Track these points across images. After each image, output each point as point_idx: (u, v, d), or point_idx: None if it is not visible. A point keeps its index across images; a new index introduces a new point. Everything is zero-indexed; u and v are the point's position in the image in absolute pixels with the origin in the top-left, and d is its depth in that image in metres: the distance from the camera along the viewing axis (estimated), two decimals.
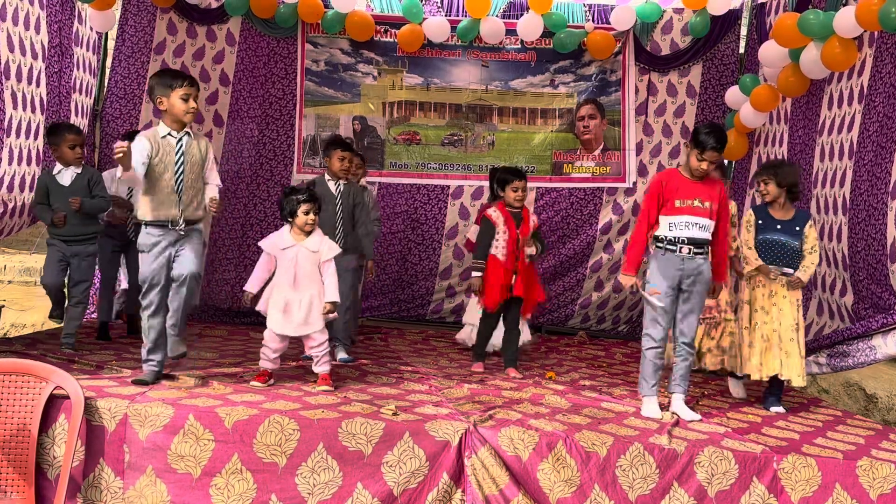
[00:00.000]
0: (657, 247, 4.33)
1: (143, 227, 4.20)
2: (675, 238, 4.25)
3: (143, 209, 4.18)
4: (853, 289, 5.07)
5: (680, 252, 4.24)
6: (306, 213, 4.30)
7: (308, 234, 4.36)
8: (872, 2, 4.56)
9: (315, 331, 4.31)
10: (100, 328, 5.47)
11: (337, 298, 4.37)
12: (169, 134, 4.17)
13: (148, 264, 4.17)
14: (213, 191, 4.32)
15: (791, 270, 4.66)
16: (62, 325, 5.05)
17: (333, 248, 4.43)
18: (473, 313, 6.43)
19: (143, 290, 4.20)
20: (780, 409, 4.69)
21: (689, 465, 3.63)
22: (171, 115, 4.16)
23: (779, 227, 4.71)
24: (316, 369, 4.36)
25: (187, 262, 4.18)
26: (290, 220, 4.34)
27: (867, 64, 5.06)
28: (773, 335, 4.62)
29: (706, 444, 3.72)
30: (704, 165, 4.22)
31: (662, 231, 4.30)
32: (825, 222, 5.43)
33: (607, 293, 7.38)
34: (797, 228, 4.70)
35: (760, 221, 4.76)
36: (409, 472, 3.55)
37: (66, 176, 4.97)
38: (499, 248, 5.22)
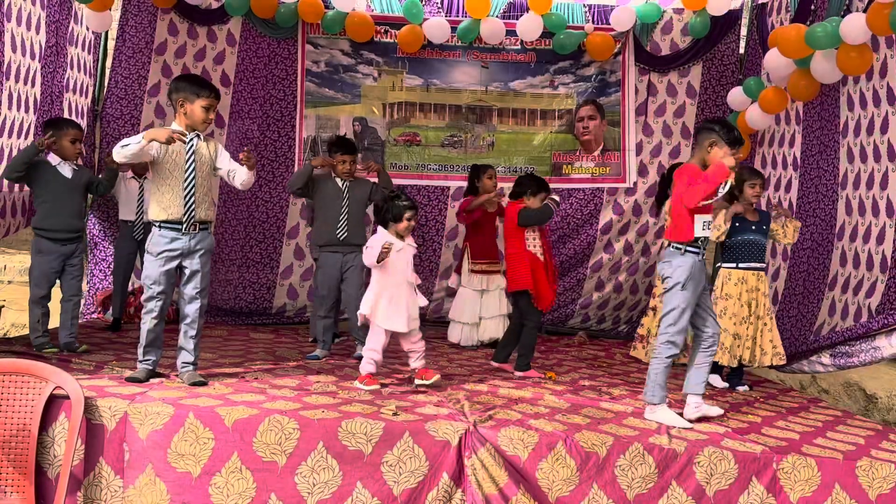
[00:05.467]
0: (688, 250, 4.11)
1: (155, 228, 4.22)
2: (704, 239, 4.13)
3: (155, 210, 4.20)
4: (889, 290, 4.99)
5: (703, 256, 4.15)
6: (409, 220, 4.56)
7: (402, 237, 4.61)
8: (883, 7, 4.54)
9: (419, 326, 4.63)
10: (114, 323, 5.89)
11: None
12: (182, 134, 4.22)
13: (156, 268, 4.19)
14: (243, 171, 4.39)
15: (761, 265, 5.17)
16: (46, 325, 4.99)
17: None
18: (458, 311, 6.35)
19: (148, 294, 4.22)
20: (745, 388, 5.21)
21: (688, 464, 3.63)
22: (190, 120, 4.24)
23: (753, 227, 5.17)
24: (416, 364, 4.58)
25: (200, 291, 4.30)
26: (393, 223, 4.56)
27: (889, 65, 5.00)
28: (743, 328, 5.09)
29: (706, 445, 3.72)
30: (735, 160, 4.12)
31: (697, 231, 4.10)
32: (858, 224, 5.35)
33: (608, 293, 7.38)
34: (764, 227, 5.20)
35: (738, 224, 5.15)
36: (409, 472, 3.55)
37: (67, 169, 4.97)
38: (536, 247, 5.31)
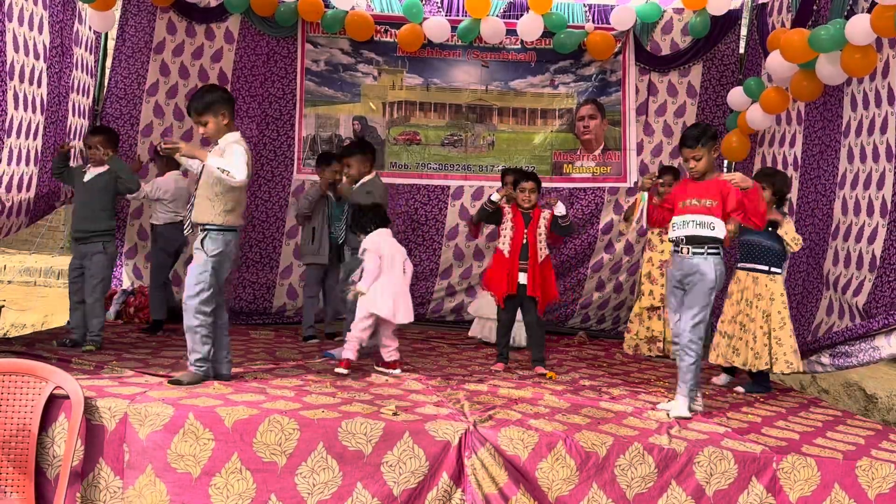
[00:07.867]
0: (672, 249, 4.52)
1: (233, 234, 4.28)
2: (677, 238, 4.41)
3: (234, 216, 4.28)
4: (875, 289, 5.01)
5: (680, 252, 4.37)
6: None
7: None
8: (886, 10, 4.53)
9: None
10: (154, 325, 5.88)
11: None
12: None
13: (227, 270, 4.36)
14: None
15: (765, 268, 5.04)
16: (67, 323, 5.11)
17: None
18: (481, 306, 6.39)
19: (216, 296, 4.29)
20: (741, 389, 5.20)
21: (687, 464, 3.63)
22: (220, 131, 4.28)
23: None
24: (390, 357, 4.88)
25: None
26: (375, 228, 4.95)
27: (891, 65, 4.99)
28: (732, 327, 5.13)
29: (706, 444, 3.71)
30: (689, 163, 4.42)
31: (670, 233, 4.48)
32: (853, 224, 5.35)
33: (608, 293, 7.37)
34: (770, 230, 5.02)
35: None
36: (409, 472, 3.55)
37: (88, 173, 5.28)
38: (504, 243, 5.33)
